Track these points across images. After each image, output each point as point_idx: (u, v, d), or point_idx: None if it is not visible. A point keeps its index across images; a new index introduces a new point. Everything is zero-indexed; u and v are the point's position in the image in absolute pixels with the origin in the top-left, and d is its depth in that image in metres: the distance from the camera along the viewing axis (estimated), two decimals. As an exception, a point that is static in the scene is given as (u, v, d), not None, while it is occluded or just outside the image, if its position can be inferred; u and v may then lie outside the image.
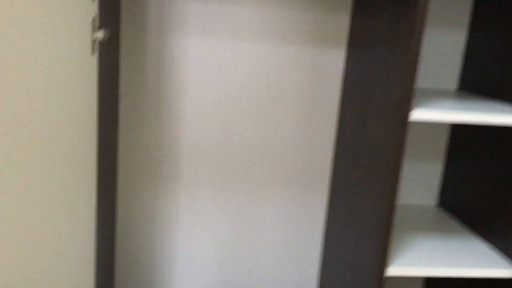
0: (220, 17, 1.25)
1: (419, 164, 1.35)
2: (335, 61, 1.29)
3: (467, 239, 1.17)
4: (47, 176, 0.63)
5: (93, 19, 0.80)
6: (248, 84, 1.29)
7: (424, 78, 1.31)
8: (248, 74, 1.28)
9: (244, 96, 1.29)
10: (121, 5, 1.21)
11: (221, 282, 1.38)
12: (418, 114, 0.92)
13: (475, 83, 1.24)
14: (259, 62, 1.28)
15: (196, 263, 1.35)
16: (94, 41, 0.81)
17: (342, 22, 1.27)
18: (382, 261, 0.94)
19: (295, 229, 1.37)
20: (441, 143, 1.35)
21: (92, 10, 0.80)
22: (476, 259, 1.06)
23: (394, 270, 0.98)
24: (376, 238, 0.98)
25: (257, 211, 1.34)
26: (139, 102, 1.27)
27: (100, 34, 0.82)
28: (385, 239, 0.95)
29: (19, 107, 0.53)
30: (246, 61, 1.27)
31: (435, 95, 1.16)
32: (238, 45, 1.27)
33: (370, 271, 1.00)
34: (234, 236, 1.35)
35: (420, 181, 1.36)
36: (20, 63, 0.53)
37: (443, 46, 1.29)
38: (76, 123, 0.75)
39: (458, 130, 1.30)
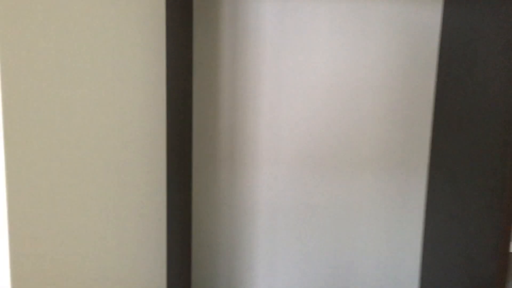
0: None
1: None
2: (432, 19, 1.12)
3: None
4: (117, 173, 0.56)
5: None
6: (331, 49, 1.15)
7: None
8: (330, 38, 1.14)
9: (327, 64, 1.16)
10: None
11: (309, 276, 1.33)
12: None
13: None
14: (343, 22, 1.13)
15: (278, 262, 1.30)
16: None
17: None
18: (506, 235, 0.84)
19: (394, 210, 1.28)
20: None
21: None
22: None
23: None
24: (496, 210, 0.88)
25: (351, 198, 1.25)
26: (213, 69, 1.16)
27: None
28: (509, 209, 0.84)
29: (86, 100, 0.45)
30: (325, 23, 1.13)
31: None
32: (317, 4, 1.12)
33: (491, 248, 0.91)
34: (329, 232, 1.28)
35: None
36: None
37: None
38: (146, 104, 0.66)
39: None
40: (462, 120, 0.99)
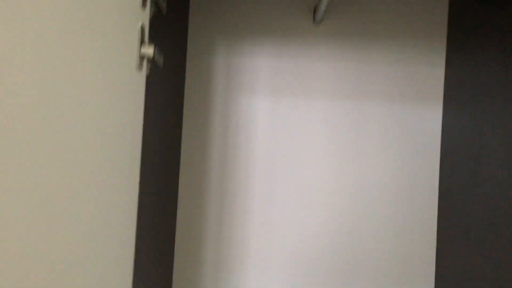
0: (293, 73, 1.10)
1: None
2: (431, 120, 1.09)
3: None
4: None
5: (141, 28, 0.66)
6: (325, 148, 1.11)
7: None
8: (325, 136, 1.11)
9: (323, 164, 1.12)
10: (186, 64, 1.09)
11: None
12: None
13: None
14: (339, 121, 1.11)
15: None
16: (141, 57, 0.67)
17: (437, 74, 1.09)
18: None
19: None
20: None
21: (142, 18, 0.66)
22: None
23: None
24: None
25: None
26: (200, 165, 1.12)
27: (149, 51, 0.68)
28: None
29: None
30: (321, 121, 1.11)
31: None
32: (313, 103, 1.11)
33: None
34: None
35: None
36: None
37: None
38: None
39: None
40: (466, 233, 0.90)
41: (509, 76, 0.75)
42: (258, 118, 1.12)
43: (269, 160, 1.11)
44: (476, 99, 0.88)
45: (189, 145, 1.12)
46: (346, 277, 1.10)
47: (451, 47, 1.06)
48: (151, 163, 0.85)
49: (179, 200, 1.12)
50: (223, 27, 1.12)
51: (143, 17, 0.68)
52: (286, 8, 1.12)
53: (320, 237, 1.11)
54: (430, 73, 1.10)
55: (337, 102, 1.11)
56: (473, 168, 0.89)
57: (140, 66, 0.66)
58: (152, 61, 0.72)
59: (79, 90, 0.48)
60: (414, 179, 1.10)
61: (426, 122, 1.10)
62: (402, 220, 1.10)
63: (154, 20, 0.82)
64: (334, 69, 1.11)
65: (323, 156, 1.11)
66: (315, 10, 1.06)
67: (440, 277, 1.02)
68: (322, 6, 1.02)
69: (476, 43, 0.89)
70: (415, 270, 1.10)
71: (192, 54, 1.12)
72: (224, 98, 1.12)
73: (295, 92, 1.11)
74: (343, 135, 1.11)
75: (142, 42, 0.67)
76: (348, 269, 1.10)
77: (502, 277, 0.72)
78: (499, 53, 0.79)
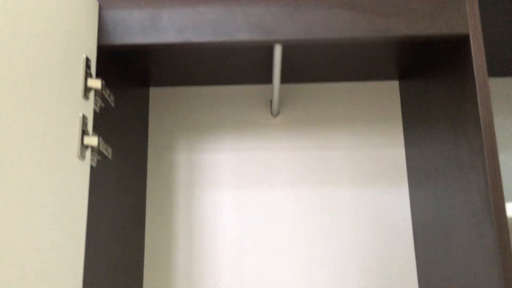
0: (254, 165, 1.12)
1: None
2: (399, 201, 1.09)
3: None
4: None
5: (83, 118, 0.66)
6: (295, 240, 1.09)
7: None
8: (294, 228, 1.10)
9: (295, 258, 1.09)
10: (148, 159, 1.11)
11: None
12: None
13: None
14: (308, 211, 1.10)
15: None
16: (85, 146, 0.67)
17: (398, 154, 1.11)
18: None
19: None
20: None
21: (85, 108, 0.67)
22: None
23: None
24: None
25: None
26: (166, 268, 1.08)
27: (93, 141, 0.68)
28: None
29: None
30: (289, 212, 1.10)
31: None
32: (279, 193, 1.11)
33: None
34: None
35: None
36: None
37: None
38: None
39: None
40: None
41: (461, 154, 0.76)
42: (223, 212, 1.09)
43: (237, 254, 1.07)
44: (436, 177, 0.88)
45: (153, 244, 1.07)
46: None
47: (407, 127, 1.08)
48: (107, 265, 0.81)
49: (144, 307, 1.04)
50: (183, 124, 1.14)
51: (86, 108, 0.68)
52: (243, 103, 1.16)
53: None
54: (392, 154, 1.11)
55: (302, 190, 1.10)
56: (444, 245, 0.86)
57: (82, 155, 0.66)
58: (98, 152, 0.71)
59: (17, 174, 0.47)
60: (389, 261, 1.05)
61: (395, 202, 1.09)
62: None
63: (110, 116, 0.83)
64: (296, 158, 1.12)
65: (292, 245, 1.07)
66: (271, 103, 1.09)
67: None
68: (275, 100, 1.05)
69: (429, 123, 0.91)
70: None
71: (153, 152, 1.12)
72: (187, 194, 1.10)
73: (259, 183, 1.10)
74: (311, 222, 1.08)
75: (85, 132, 0.67)
76: None
77: None
78: (449, 130, 0.81)
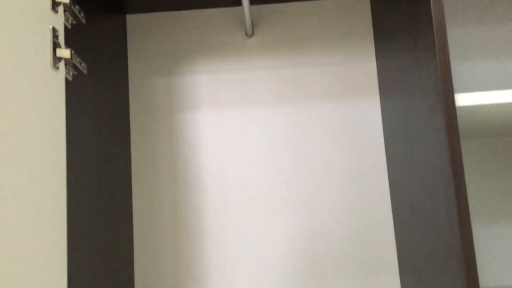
0: (231, 86, 1.15)
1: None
2: (371, 112, 1.13)
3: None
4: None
5: (52, 31, 0.69)
6: (274, 155, 1.14)
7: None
8: (272, 143, 1.14)
9: (272, 172, 1.14)
10: (129, 83, 1.14)
11: None
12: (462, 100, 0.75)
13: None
14: (282, 128, 1.14)
15: None
16: (58, 58, 0.70)
17: (370, 69, 1.15)
18: None
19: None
20: None
21: (54, 21, 0.70)
22: None
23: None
24: None
25: None
26: (152, 183, 1.14)
27: (65, 53, 0.71)
28: None
29: None
30: (264, 129, 1.15)
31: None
32: (254, 112, 1.14)
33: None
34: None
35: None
36: None
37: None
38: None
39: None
40: (415, 206, 0.91)
41: (419, 57, 0.79)
42: (204, 132, 1.14)
43: (218, 172, 1.13)
44: (401, 85, 0.92)
45: (140, 164, 1.13)
46: (312, 280, 1.09)
47: (378, 42, 1.11)
48: (92, 183, 0.86)
49: (134, 222, 1.12)
50: (161, 49, 1.17)
51: (56, 22, 0.71)
52: (219, 25, 1.18)
53: (278, 243, 1.10)
54: (364, 68, 1.15)
55: (278, 107, 1.14)
56: (407, 142, 0.91)
57: (55, 65, 0.69)
58: (72, 65, 0.75)
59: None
60: (364, 168, 1.12)
61: (367, 114, 1.14)
62: (359, 207, 1.11)
63: (86, 36, 0.86)
64: (271, 76, 1.15)
65: (271, 161, 1.13)
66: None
67: (402, 261, 1.01)
68: (247, 20, 1.08)
69: (395, 36, 0.94)
70: (377, 255, 1.09)
71: (134, 77, 1.16)
72: (169, 116, 1.15)
73: (236, 103, 1.15)
74: (288, 138, 1.14)
75: (56, 44, 0.70)
76: (313, 271, 1.09)
77: (442, 243, 0.73)
78: (411, 45, 0.84)
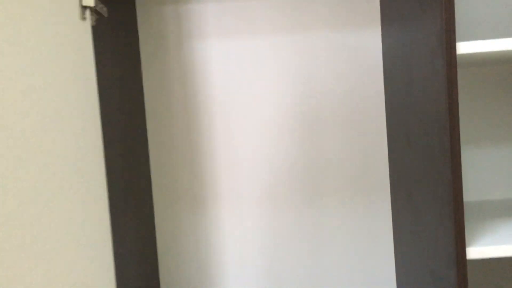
0: (237, 14, 1.16)
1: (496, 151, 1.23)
2: (372, 41, 1.17)
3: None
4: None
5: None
6: (279, 82, 1.19)
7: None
8: (277, 70, 1.19)
9: (278, 97, 1.19)
10: (138, 16, 1.14)
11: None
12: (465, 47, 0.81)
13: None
14: (287, 55, 1.18)
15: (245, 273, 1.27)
16: (83, 7, 0.74)
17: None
18: (461, 242, 0.81)
19: (364, 237, 1.26)
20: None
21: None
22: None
23: (474, 251, 0.84)
24: (448, 218, 0.87)
25: (319, 228, 1.25)
26: (166, 113, 1.19)
27: (90, 2, 0.74)
28: (459, 216, 0.84)
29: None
30: (270, 57, 1.18)
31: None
32: (260, 40, 1.17)
33: (448, 258, 0.90)
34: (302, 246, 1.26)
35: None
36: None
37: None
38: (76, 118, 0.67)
39: None
40: (410, 134, 1.00)
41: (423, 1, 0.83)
42: (212, 60, 1.19)
43: (226, 100, 1.19)
44: (404, 20, 0.97)
45: (153, 95, 1.19)
46: (313, 191, 1.21)
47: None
48: (116, 116, 0.93)
49: (150, 151, 1.20)
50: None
51: (79, -30, 0.73)
52: (224, -48, 1.17)
53: (284, 161, 1.20)
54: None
55: (283, 35, 1.18)
56: (407, 79, 0.98)
57: (83, 16, 0.73)
58: (95, 11, 0.78)
59: (21, 40, 0.55)
60: (363, 94, 1.19)
61: (368, 43, 1.19)
62: (356, 134, 1.20)
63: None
64: (276, 5, 1.18)
65: (276, 88, 1.19)
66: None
67: (394, 182, 1.13)
68: None
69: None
70: (372, 177, 1.21)
71: (141, 5, 1.18)
72: (177, 46, 1.18)
73: (241, 32, 1.18)
74: (293, 64, 1.19)
75: (81, -6, 0.73)
76: (313, 184, 1.21)
77: (438, 173, 0.83)
78: None
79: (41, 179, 0.55)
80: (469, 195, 1.21)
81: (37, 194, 0.53)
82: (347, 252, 1.23)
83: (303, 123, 1.20)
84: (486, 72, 1.19)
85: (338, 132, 1.20)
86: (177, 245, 1.23)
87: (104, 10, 0.81)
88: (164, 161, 1.20)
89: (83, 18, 0.73)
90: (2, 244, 0.45)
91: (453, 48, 0.76)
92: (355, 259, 1.24)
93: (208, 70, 1.19)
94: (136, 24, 1.17)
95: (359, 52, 1.19)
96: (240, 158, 1.21)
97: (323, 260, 1.24)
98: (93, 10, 0.77)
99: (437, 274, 0.90)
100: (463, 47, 0.79)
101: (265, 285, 1.24)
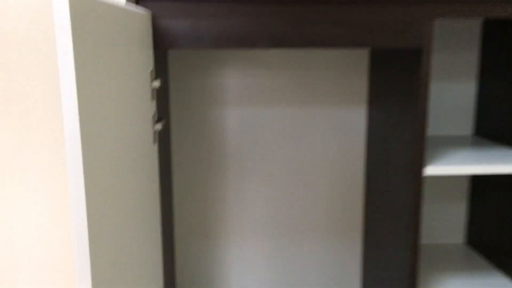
0: (254, 87, 1.41)
1: (444, 205, 1.46)
2: (358, 119, 1.42)
3: (492, 275, 1.27)
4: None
5: (153, 115, 0.96)
6: (280, 144, 1.43)
7: (441, 126, 1.43)
8: (278, 136, 1.43)
9: (280, 156, 1.44)
10: (169, 96, 1.38)
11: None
12: (431, 170, 1.05)
13: (489, 129, 1.36)
14: (288, 125, 1.42)
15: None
16: (154, 132, 0.97)
17: (361, 83, 1.41)
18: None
19: (334, 275, 1.49)
20: (464, 184, 1.46)
21: (151, 107, 0.96)
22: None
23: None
24: (405, 275, 1.10)
25: (303, 256, 1.47)
26: (191, 164, 1.42)
27: (158, 126, 0.98)
28: (412, 276, 1.06)
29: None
30: (277, 124, 1.43)
31: (451, 144, 1.28)
32: (269, 109, 1.42)
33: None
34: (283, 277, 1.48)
35: (447, 220, 1.47)
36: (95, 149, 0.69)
37: (456, 96, 1.41)
38: (143, 203, 0.90)
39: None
40: (385, 204, 1.23)
41: (404, 83, 1.06)
42: (229, 123, 1.42)
43: (240, 155, 1.43)
44: (387, 102, 1.21)
45: (179, 151, 1.42)
46: (299, 233, 1.43)
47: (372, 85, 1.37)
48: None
49: (174, 190, 1.43)
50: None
51: (152, 106, 0.97)
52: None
53: (282, 205, 1.44)
54: (355, 82, 1.43)
55: (286, 107, 1.42)
56: (383, 166, 1.21)
57: (154, 140, 0.96)
58: (158, 133, 1.01)
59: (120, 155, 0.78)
60: (345, 159, 1.43)
61: (354, 118, 1.41)
62: (337, 188, 1.43)
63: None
64: (283, 82, 1.42)
65: (279, 147, 1.43)
66: None
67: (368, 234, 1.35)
68: None
69: (388, 87, 1.20)
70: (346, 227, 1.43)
71: (174, 76, 1.41)
72: (202, 111, 1.42)
73: (254, 102, 1.42)
74: (292, 131, 1.43)
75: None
76: (298, 225, 1.44)
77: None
78: (400, 100, 1.11)
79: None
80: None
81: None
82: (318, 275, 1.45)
83: (296, 178, 1.44)
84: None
85: (323, 186, 1.44)
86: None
87: (163, 126, 1.04)
88: (188, 202, 1.43)
89: (155, 142, 0.96)
90: None
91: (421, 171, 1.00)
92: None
93: (226, 131, 1.41)
94: (168, 91, 1.38)
95: (345, 128, 1.42)
96: (247, 203, 1.43)
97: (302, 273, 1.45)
98: (159, 131, 1.00)
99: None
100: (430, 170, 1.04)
101: None
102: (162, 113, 1.15)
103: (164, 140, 1.17)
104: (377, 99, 1.33)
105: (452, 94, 1.42)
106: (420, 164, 1.04)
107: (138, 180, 0.83)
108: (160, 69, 1.13)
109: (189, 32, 1.01)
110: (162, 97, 1.15)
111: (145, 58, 0.92)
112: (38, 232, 0.64)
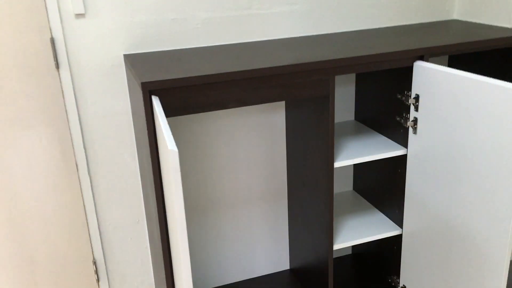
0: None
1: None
2: (279, 120, 2.01)
3: (373, 213, 2.03)
4: None
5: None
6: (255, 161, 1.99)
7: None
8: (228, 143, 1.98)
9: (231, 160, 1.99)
10: None
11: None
12: (338, 164, 1.71)
13: (364, 117, 2.05)
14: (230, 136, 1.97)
15: None
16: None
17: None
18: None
19: (266, 229, 2.15)
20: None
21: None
22: (376, 226, 1.93)
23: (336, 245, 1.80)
24: (324, 221, 1.80)
25: (244, 219, 2.10)
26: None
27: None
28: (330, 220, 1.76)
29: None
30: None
31: (346, 138, 1.94)
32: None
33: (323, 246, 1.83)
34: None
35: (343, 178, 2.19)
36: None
37: (344, 96, 2.06)
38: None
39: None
40: (304, 180, 1.89)
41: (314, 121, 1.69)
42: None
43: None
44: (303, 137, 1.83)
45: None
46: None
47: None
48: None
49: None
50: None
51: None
52: None
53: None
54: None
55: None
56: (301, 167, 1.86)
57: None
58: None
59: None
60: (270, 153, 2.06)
61: (276, 121, 2.02)
62: (269, 172, 2.09)
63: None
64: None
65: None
66: None
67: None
68: None
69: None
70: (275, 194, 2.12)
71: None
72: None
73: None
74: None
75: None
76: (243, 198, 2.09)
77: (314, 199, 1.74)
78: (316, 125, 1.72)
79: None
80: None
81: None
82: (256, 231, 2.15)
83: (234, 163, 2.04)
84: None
85: (258, 170, 2.07)
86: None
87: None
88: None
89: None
90: None
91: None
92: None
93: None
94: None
95: (271, 127, 2.01)
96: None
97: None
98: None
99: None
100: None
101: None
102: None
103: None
104: (293, 130, 1.93)
105: (337, 93, 2.07)
106: (331, 162, 1.70)
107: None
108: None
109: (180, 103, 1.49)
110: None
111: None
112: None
